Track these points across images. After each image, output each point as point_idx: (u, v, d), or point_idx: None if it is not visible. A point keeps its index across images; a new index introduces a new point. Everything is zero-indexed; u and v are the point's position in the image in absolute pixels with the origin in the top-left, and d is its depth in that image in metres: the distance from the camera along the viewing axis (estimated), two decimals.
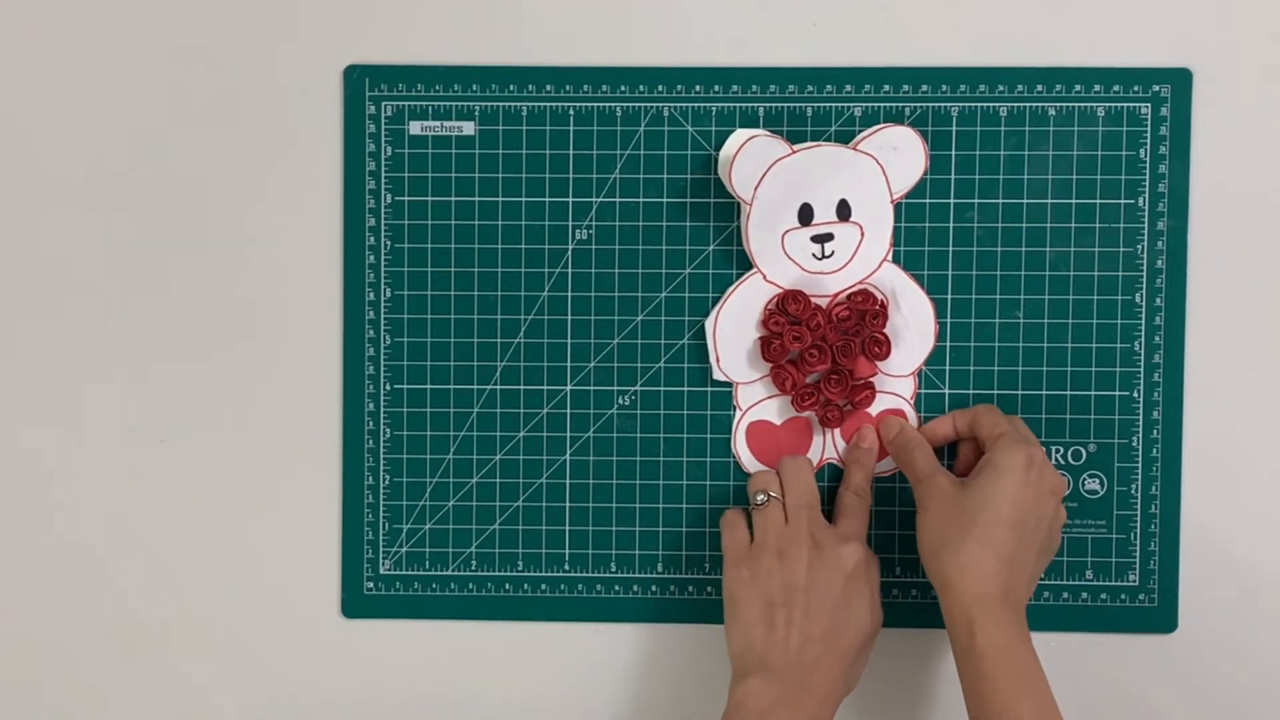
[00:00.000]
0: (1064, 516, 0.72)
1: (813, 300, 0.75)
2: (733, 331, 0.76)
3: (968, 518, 0.68)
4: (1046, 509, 0.70)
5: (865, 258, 0.75)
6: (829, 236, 0.75)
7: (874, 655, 0.74)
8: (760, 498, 0.73)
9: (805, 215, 0.75)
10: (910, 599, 0.77)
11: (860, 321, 0.74)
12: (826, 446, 0.76)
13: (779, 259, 0.75)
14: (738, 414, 0.76)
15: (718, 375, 0.76)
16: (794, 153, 0.74)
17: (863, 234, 0.75)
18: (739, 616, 0.71)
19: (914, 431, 0.75)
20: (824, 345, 0.74)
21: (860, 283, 0.75)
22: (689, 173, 0.76)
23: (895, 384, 0.76)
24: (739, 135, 0.75)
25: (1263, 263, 0.76)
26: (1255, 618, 0.77)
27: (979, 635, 0.66)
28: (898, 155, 0.74)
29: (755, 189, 0.74)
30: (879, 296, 0.75)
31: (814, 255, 0.75)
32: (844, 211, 0.75)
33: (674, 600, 0.77)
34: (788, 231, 0.75)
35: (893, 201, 0.75)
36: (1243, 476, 0.76)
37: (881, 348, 0.74)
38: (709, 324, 0.76)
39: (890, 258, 0.75)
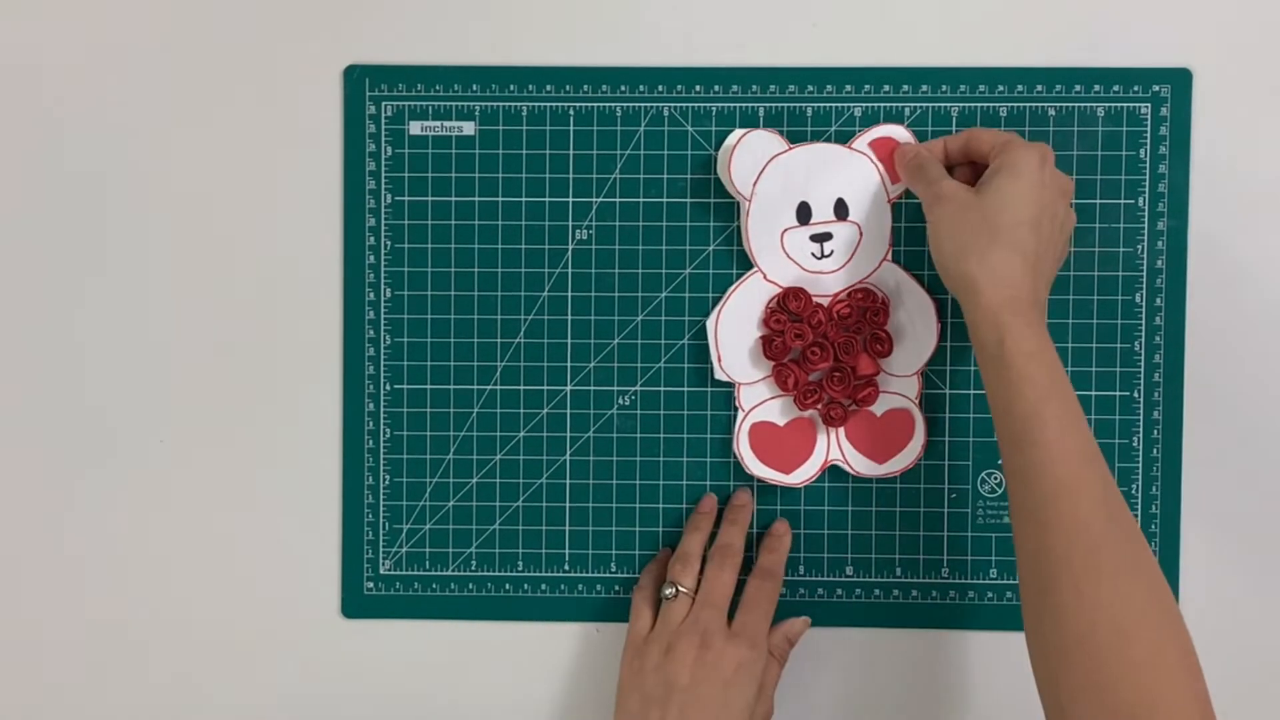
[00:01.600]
0: (1074, 219, 0.70)
1: (814, 298, 0.75)
2: (734, 331, 0.76)
3: (989, 221, 0.66)
4: (1059, 209, 0.68)
5: (864, 257, 0.75)
6: (827, 235, 0.75)
7: (875, 655, 0.74)
8: (669, 591, 0.71)
9: (804, 214, 0.75)
10: (910, 599, 0.77)
11: (862, 319, 0.74)
12: (830, 447, 0.76)
13: (779, 258, 0.75)
14: (740, 415, 0.76)
15: (719, 375, 0.76)
16: (790, 150, 0.74)
17: (861, 233, 0.75)
18: (620, 706, 0.70)
19: (925, 151, 0.72)
20: (826, 343, 0.74)
21: (861, 282, 0.75)
22: (689, 173, 0.76)
23: (900, 383, 0.75)
24: (737, 133, 0.75)
25: (1263, 263, 0.76)
26: (1255, 617, 0.77)
27: (1008, 341, 0.64)
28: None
29: (754, 186, 0.74)
30: (880, 294, 0.75)
31: (813, 254, 0.75)
32: (842, 210, 0.75)
33: None
34: (787, 230, 0.75)
35: (890, 201, 0.75)
36: (1243, 477, 0.76)
37: (884, 345, 0.74)
38: (710, 324, 0.76)
39: (890, 257, 0.75)
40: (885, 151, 0.75)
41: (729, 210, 0.76)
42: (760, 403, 0.76)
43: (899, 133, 0.74)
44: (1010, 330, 0.64)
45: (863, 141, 0.75)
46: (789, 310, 0.75)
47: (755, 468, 0.76)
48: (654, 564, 0.76)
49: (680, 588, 0.71)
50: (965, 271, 0.66)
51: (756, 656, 0.69)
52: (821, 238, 0.75)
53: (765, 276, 0.75)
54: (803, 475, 0.76)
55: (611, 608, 0.77)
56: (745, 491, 0.76)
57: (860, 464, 0.76)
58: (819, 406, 0.75)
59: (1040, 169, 0.67)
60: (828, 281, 0.75)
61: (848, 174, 0.75)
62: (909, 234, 0.76)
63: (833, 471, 0.76)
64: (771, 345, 0.75)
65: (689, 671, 0.68)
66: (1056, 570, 0.60)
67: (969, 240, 0.66)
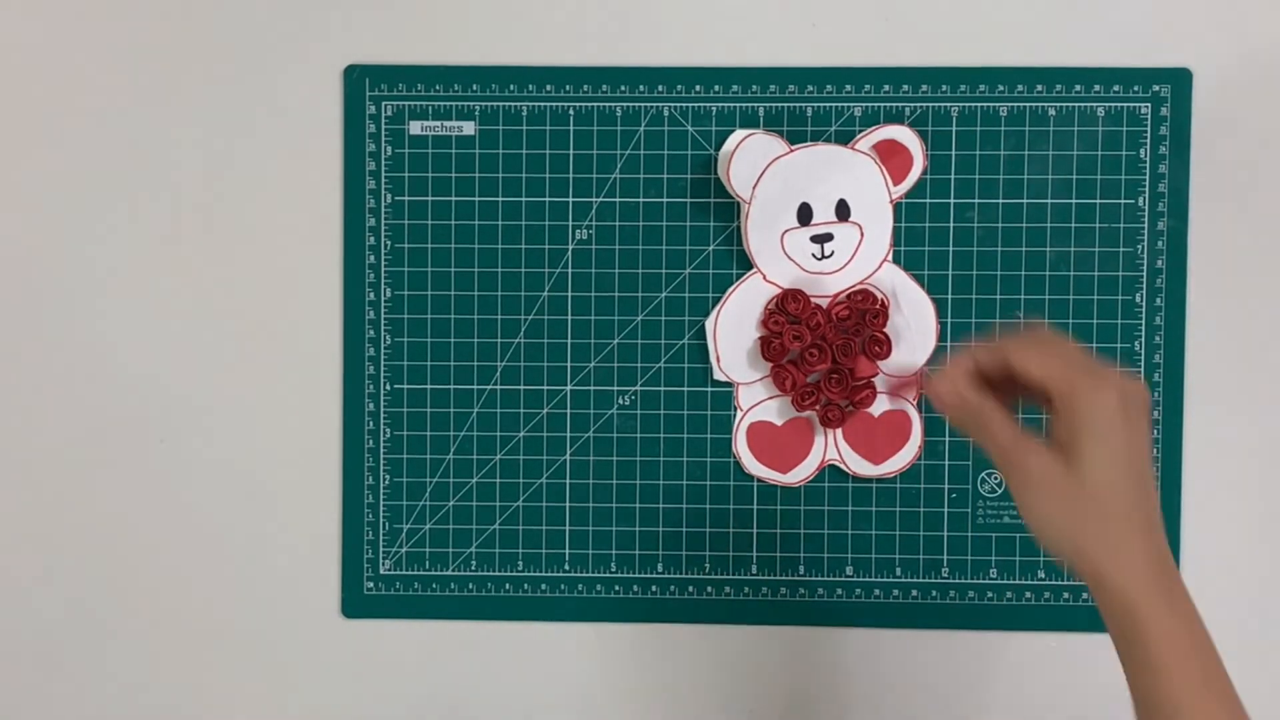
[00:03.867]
0: (1153, 429, 0.64)
1: (813, 300, 0.75)
2: (733, 332, 0.76)
3: (1093, 500, 0.56)
4: (1150, 437, 0.61)
5: (865, 258, 0.75)
6: (828, 236, 0.75)
7: (875, 655, 0.74)
8: None
9: (804, 215, 0.75)
10: (910, 599, 0.77)
11: (860, 321, 0.74)
12: (828, 447, 0.76)
13: (779, 259, 0.75)
14: (739, 415, 0.76)
15: (718, 375, 0.76)
16: (792, 151, 0.74)
17: (862, 234, 0.75)
18: None
19: (974, 393, 0.59)
20: (824, 344, 0.74)
21: (860, 283, 0.75)
22: (689, 173, 0.76)
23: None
24: (738, 134, 0.75)
25: (1263, 263, 0.76)
26: (1255, 617, 0.77)
27: (1149, 630, 0.56)
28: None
29: (754, 188, 0.74)
30: (879, 296, 0.75)
31: (814, 255, 0.75)
32: (843, 211, 0.75)
33: (674, 600, 0.77)
34: (787, 231, 0.75)
35: (892, 201, 0.75)
36: (1243, 477, 0.76)
37: (882, 347, 0.74)
38: (709, 324, 0.76)
39: (890, 258, 0.75)
40: (888, 153, 0.75)
41: (729, 210, 0.76)
42: (758, 403, 0.76)
43: (902, 134, 0.74)
44: (1148, 621, 0.56)
45: (865, 143, 0.75)
46: (787, 312, 0.75)
47: (753, 467, 0.76)
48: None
49: None
50: (1087, 561, 0.57)
51: None
52: (822, 239, 0.75)
53: (765, 277, 0.75)
54: (800, 475, 0.76)
55: (612, 607, 0.77)
56: None
57: (857, 464, 0.76)
58: (817, 408, 0.75)
59: (1125, 416, 0.56)
60: (828, 282, 0.75)
61: (850, 175, 0.75)
62: (909, 235, 0.76)
63: (833, 472, 0.76)
64: (770, 347, 0.75)
65: None
66: None
67: (1078, 525, 0.57)
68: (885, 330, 0.75)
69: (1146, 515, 0.57)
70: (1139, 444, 0.57)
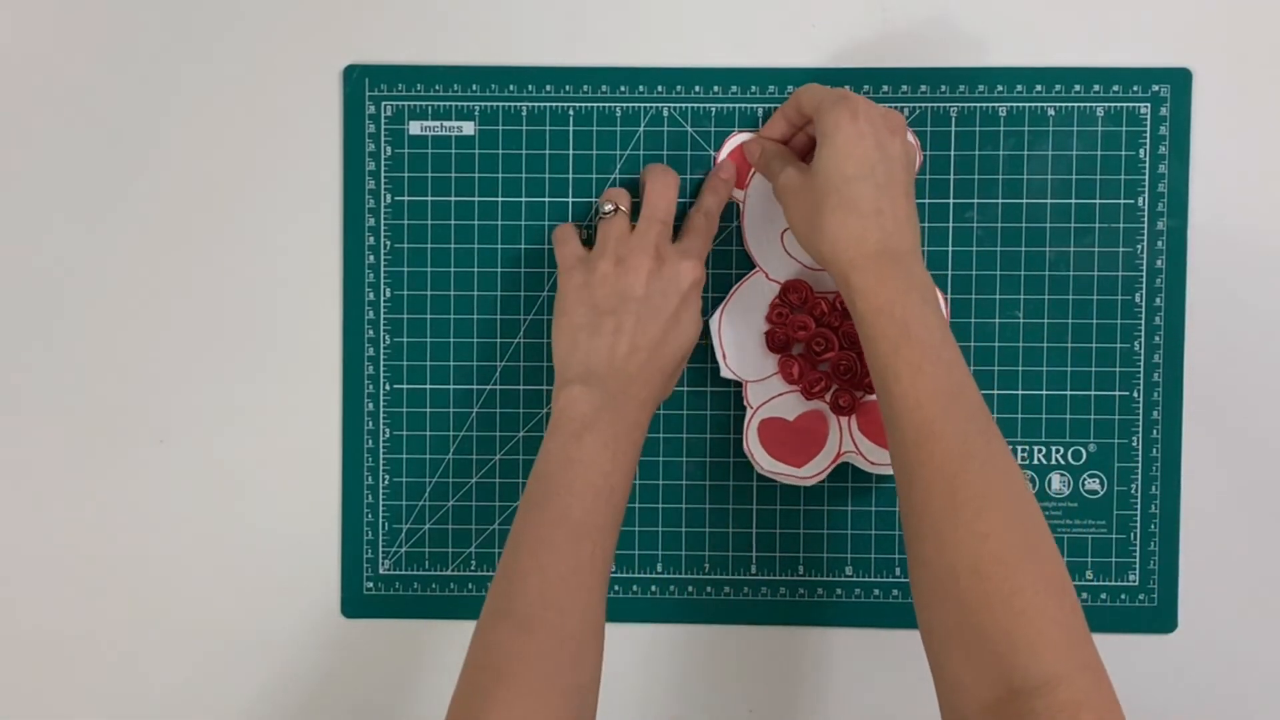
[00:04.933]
0: (914, 148, 0.71)
1: (816, 291, 0.75)
2: (738, 329, 0.75)
3: (818, 192, 0.66)
4: (892, 148, 0.67)
5: None
6: None
7: (875, 655, 0.73)
8: (609, 207, 0.71)
9: None
10: (910, 599, 0.77)
11: None
12: (843, 439, 0.75)
13: (780, 257, 0.75)
14: (749, 412, 0.76)
15: (725, 374, 0.76)
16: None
17: None
18: (565, 322, 0.70)
19: (770, 144, 0.73)
20: (830, 332, 0.74)
21: None
22: (689, 173, 0.76)
23: None
24: (733, 136, 0.75)
25: (1263, 263, 0.76)
26: (1255, 618, 0.77)
27: (858, 300, 0.64)
28: None
29: (746, 188, 0.74)
30: None
31: None
32: None
33: (674, 600, 0.77)
34: (786, 230, 0.75)
35: None
36: (1243, 476, 0.76)
37: None
38: (713, 323, 0.76)
39: None
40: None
41: (728, 210, 0.76)
42: (768, 399, 0.76)
43: None
44: (858, 290, 0.64)
45: None
46: (790, 303, 0.74)
47: (768, 464, 0.75)
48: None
49: (620, 207, 0.71)
50: (814, 247, 0.67)
51: (704, 275, 0.71)
52: None
53: (767, 276, 0.75)
54: (815, 469, 0.75)
55: (612, 607, 0.77)
56: (731, 165, 0.75)
57: (874, 454, 0.75)
58: (826, 396, 0.74)
59: (853, 121, 0.66)
60: (829, 278, 0.75)
61: None
62: None
63: (834, 471, 0.76)
64: (775, 338, 0.74)
65: (644, 283, 0.69)
66: (920, 519, 0.60)
67: (810, 217, 0.67)
68: None
69: (871, 208, 0.65)
70: (869, 149, 0.65)
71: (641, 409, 0.68)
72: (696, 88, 0.76)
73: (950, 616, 0.58)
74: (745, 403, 0.76)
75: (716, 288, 0.76)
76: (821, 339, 0.74)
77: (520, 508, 0.67)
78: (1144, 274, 0.76)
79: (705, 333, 0.76)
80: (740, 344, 0.75)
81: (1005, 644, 0.56)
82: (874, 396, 0.74)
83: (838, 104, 0.67)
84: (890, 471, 0.75)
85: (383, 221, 0.77)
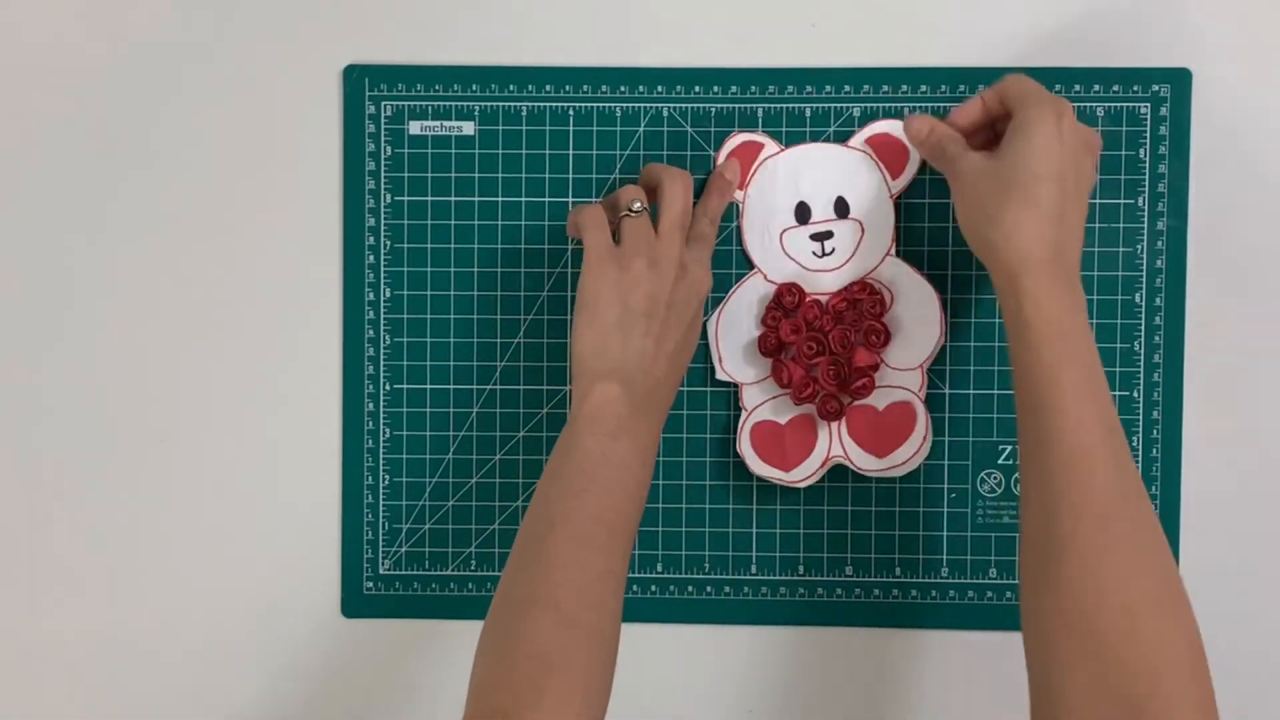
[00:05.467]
0: (1095, 178, 0.68)
1: (811, 295, 0.75)
2: (734, 332, 0.76)
3: (1003, 182, 0.64)
4: (1085, 164, 0.66)
5: (867, 253, 0.75)
6: (828, 234, 0.75)
7: (875, 655, 0.73)
8: (638, 205, 0.70)
9: (802, 214, 0.75)
10: (910, 599, 0.77)
11: (859, 312, 0.74)
12: (832, 443, 0.76)
13: (779, 258, 0.75)
14: (743, 415, 0.76)
15: (720, 376, 0.76)
16: (782, 151, 0.74)
17: (863, 230, 0.75)
18: (595, 317, 0.68)
19: (945, 127, 0.70)
20: (820, 336, 0.74)
21: (862, 278, 0.75)
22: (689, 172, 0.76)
23: (902, 377, 0.75)
24: (732, 136, 0.75)
25: (1262, 263, 0.76)
26: (1255, 618, 0.76)
27: (1026, 304, 0.62)
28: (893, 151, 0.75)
29: (746, 189, 0.74)
30: (878, 287, 0.75)
31: (814, 253, 0.75)
32: (842, 209, 0.75)
33: (674, 600, 0.77)
34: (786, 230, 0.75)
35: (892, 196, 0.75)
36: (1243, 476, 0.76)
37: (880, 337, 0.74)
38: (710, 325, 0.76)
39: (894, 252, 0.75)
40: (883, 148, 0.75)
41: (728, 210, 0.76)
42: (762, 402, 0.76)
43: (896, 128, 0.75)
44: (1028, 293, 0.62)
45: (860, 139, 0.75)
46: (783, 306, 0.74)
47: (757, 467, 0.76)
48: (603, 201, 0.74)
49: (645, 205, 0.71)
50: (983, 237, 0.65)
51: (712, 284, 0.72)
52: (822, 236, 0.75)
53: (766, 277, 0.75)
54: (804, 473, 0.75)
55: None
56: (735, 164, 0.75)
57: (862, 460, 0.75)
58: (814, 401, 0.75)
59: (1057, 123, 0.65)
60: (829, 279, 0.75)
61: (846, 172, 0.75)
62: (911, 234, 0.76)
63: (833, 472, 0.76)
64: (767, 342, 0.74)
65: (671, 289, 0.69)
66: (1063, 544, 0.59)
67: (987, 206, 0.65)
68: (884, 320, 0.74)
69: (1053, 213, 0.63)
70: (1064, 156, 0.64)
71: (662, 416, 0.69)
72: (696, 88, 0.76)
73: (1086, 645, 0.57)
74: (740, 405, 0.76)
75: (717, 287, 0.76)
76: (813, 342, 0.74)
77: (552, 494, 0.65)
78: (1144, 274, 0.76)
79: (704, 334, 0.76)
80: (736, 346, 0.76)
81: (1145, 689, 0.55)
82: (862, 401, 0.74)
83: (1044, 102, 0.66)
84: (884, 475, 0.76)
85: (383, 221, 0.77)
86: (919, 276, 0.75)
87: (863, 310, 0.74)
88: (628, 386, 0.67)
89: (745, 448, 0.76)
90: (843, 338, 0.74)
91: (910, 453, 0.75)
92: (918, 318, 0.75)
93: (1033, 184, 0.64)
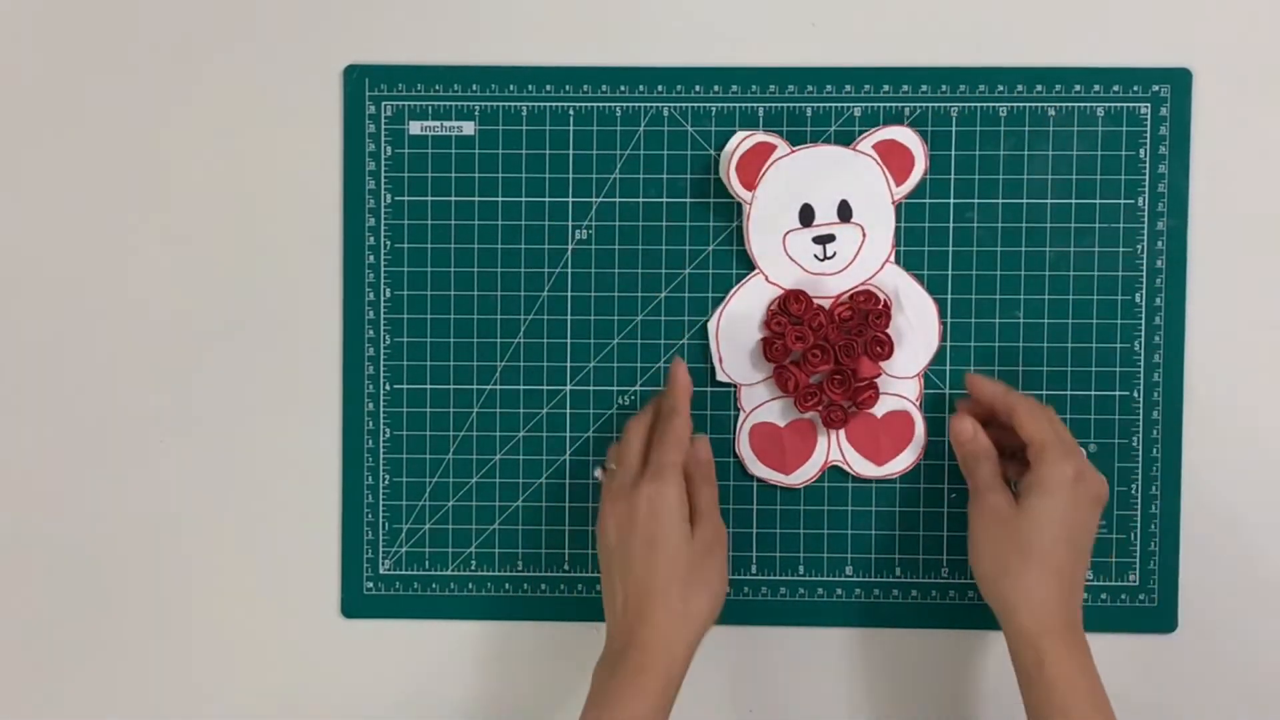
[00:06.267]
0: (1099, 519, 0.70)
1: (815, 301, 0.75)
2: (735, 333, 0.76)
3: (1025, 542, 0.67)
4: (1093, 521, 0.69)
5: (867, 259, 0.75)
6: (830, 237, 0.75)
7: (875, 655, 0.73)
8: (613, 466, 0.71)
9: (806, 216, 0.75)
10: (910, 599, 0.77)
11: (863, 322, 0.74)
12: (830, 448, 0.76)
13: (781, 260, 0.75)
14: (741, 416, 0.76)
15: (720, 377, 0.76)
16: (794, 153, 0.74)
17: (865, 235, 0.75)
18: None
19: (986, 441, 0.71)
20: (827, 345, 0.74)
21: (863, 284, 0.75)
22: (689, 173, 0.76)
23: (900, 385, 0.75)
24: (739, 135, 0.75)
25: (1263, 262, 0.76)
26: (1255, 618, 0.77)
27: (1048, 665, 0.65)
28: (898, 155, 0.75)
29: (755, 189, 0.74)
30: (882, 297, 0.75)
31: (816, 256, 0.75)
32: (845, 213, 0.75)
33: None
34: (789, 232, 0.75)
35: (894, 202, 0.75)
36: (1243, 477, 0.76)
37: (884, 348, 0.74)
38: (711, 326, 0.76)
39: (893, 258, 0.75)
40: (889, 153, 0.75)
41: (729, 210, 0.76)
42: (761, 404, 0.76)
43: (903, 134, 0.74)
44: (1049, 655, 0.65)
45: (867, 143, 0.75)
46: (790, 313, 0.74)
47: (755, 468, 0.76)
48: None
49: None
50: (1002, 594, 0.68)
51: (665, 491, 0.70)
52: (825, 239, 0.75)
53: (767, 278, 0.75)
54: (803, 476, 0.76)
55: None
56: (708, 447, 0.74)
57: (860, 465, 0.76)
58: (819, 409, 0.75)
59: (1074, 486, 0.67)
60: (830, 283, 0.75)
61: (852, 175, 0.75)
62: (909, 234, 0.76)
63: (833, 472, 0.76)
64: (772, 347, 0.74)
65: (616, 531, 0.69)
66: None
67: (1006, 560, 0.67)
68: (888, 331, 0.74)
69: (1068, 576, 0.67)
70: (1080, 517, 0.68)
71: (662, 648, 0.69)
72: (696, 88, 0.76)
73: None
74: (738, 406, 0.76)
75: (715, 288, 0.76)
76: (818, 350, 0.74)
77: None
78: (1144, 274, 0.76)
79: (703, 333, 0.76)
80: (736, 348, 0.76)
81: None
82: (868, 410, 0.75)
83: (1064, 458, 0.67)
84: (886, 475, 0.76)
85: (383, 221, 0.77)
86: (918, 285, 0.75)
87: (869, 320, 0.74)
88: (607, 650, 0.70)
89: (744, 449, 0.76)
90: (848, 347, 0.74)
91: (907, 462, 0.76)
92: (917, 326, 0.75)
93: (1052, 550, 0.67)
